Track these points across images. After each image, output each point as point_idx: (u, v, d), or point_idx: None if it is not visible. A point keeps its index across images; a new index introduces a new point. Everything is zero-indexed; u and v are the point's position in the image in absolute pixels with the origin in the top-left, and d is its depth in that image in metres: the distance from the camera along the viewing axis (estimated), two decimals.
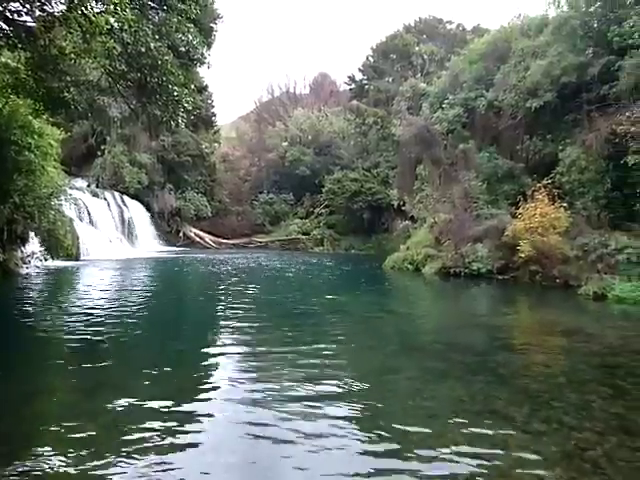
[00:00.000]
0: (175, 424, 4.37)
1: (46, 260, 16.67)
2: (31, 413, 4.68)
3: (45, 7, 8.24)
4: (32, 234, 16.25)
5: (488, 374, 6.04)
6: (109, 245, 28.21)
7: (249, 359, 6.65)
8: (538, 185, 17.07)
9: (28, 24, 8.76)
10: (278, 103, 59.17)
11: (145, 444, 3.97)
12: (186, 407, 4.83)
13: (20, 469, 3.54)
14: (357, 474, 3.63)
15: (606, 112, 17.12)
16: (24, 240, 16.13)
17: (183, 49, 11.37)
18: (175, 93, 10.43)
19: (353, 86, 47.68)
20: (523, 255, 15.89)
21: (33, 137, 13.40)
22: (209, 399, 5.14)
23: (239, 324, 8.89)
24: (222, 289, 14.51)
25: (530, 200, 16.70)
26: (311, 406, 4.85)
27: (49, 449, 3.87)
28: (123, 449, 3.87)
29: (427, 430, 4.37)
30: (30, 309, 10.29)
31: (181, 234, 43.37)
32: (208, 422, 4.52)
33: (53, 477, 3.51)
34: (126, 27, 8.73)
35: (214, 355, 6.84)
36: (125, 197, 36.43)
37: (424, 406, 4.97)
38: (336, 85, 61.21)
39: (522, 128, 21.29)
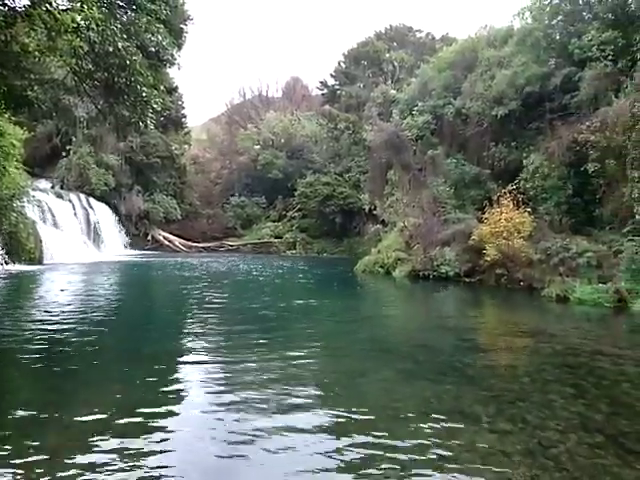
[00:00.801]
0: (138, 431, 4.28)
1: (7, 264, 15.99)
2: None
3: (6, 2, 7.95)
4: None
5: (456, 375, 6.17)
6: (74, 249, 27.30)
7: (218, 364, 6.56)
8: (503, 191, 17.62)
9: None
10: (250, 106, 58.89)
11: (106, 455, 3.87)
12: (149, 417, 4.70)
13: None
14: (326, 476, 3.64)
15: (567, 121, 17.83)
16: None
17: (152, 49, 11.17)
18: (144, 94, 10.21)
19: (325, 91, 48.01)
20: (489, 258, 16.38)
21: None
22: (174, 404, 5.06)
23: (208, 330, 8.76)
24: (192, 294, 14.26)
25: (496, 205, 17.21)
26: (280, 409, 4.84)
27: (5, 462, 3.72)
28: (86, 460, 3.76)
29: (396, 431, 4.43)
30: None
31: (149, 237, 42.49)
32: (173, 423, 4.47)
33: None
34: (93, 26, 8.50)
35: (181, 362, 6.73)
36: (91, 199, 35.42)
37: (393, 407, 5.04)
38: (308, 89, 61.45)
39: (488, 135, 21.90)
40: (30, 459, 3.74)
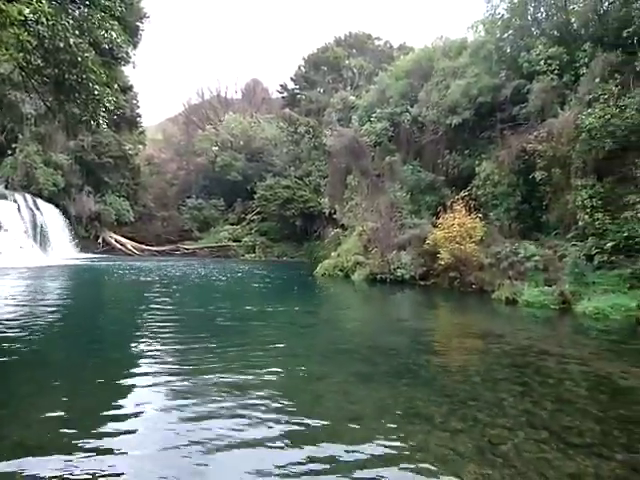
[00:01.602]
0: (88, 446, 4.12)
1: None
2: None
3: None
4: None
5: (410, 376, 6.33)
6: (19, 252, 25.87)
7: (171, 373, 6.39)
8: (457, 197, 18.28)
9: None
10: (208, 106, 58.00)
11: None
12: (99, 432, 4.51)
13: None
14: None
15: (517, 131, 18.68)
16: None
17: (106, 47, 10.81)
18: (96, 92, 9.87)
19: (285, 94, 48.11)
20: (443, 262, 16.92)
21: None
22: (124, 418, 4.89)
23: (161, 337, 8.46)
24: (144, 300, 13.78)
25: (449, 211, 17.81)
26: (237, 416, 4.79)
27: None
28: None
29: (352, 433, 4.49)
30: None
31: (100, 240, 40.95)
32: (122, 438, 4.32)
33: None
34: (43, 19, 8.14)
35: (131, 372, 6.47)
36: (38, 200, 33.72)
37: (350, 409, 5.10)
38: (268, 92, 61.28)
39: (443, 143, 22.60)
40: None
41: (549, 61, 18.01)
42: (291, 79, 47.59)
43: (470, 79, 20.79)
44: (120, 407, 5.13)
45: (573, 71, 17.42)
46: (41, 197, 34.30)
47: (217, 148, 47.04)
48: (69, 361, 7.12)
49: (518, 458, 3.98)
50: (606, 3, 17.37)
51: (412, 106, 24.32)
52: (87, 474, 3.64)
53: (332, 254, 23.58)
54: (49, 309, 11.19)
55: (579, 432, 4.51)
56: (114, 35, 10.35)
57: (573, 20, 18.37)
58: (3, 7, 7.29)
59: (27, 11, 7.79)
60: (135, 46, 12.53)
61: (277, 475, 3.73)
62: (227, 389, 5.58)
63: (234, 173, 44.55)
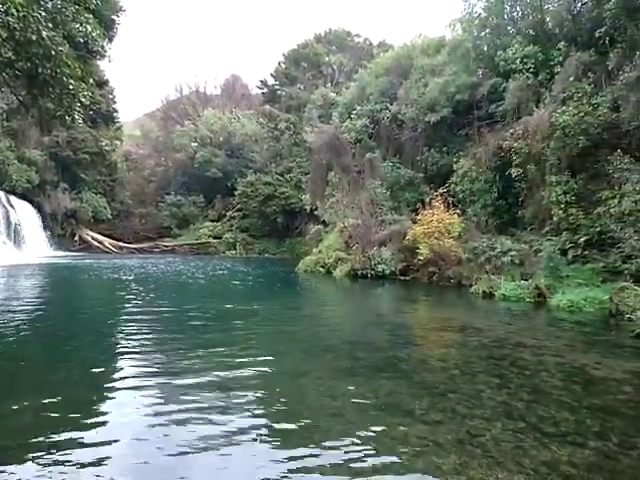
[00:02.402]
0: (62, 453, 4.07)
1: None
2: None
3: None
4: None
5: (391, 370, 6.41)
6: None
7: (150, 371, 6.33)
8: (435, 193, 18.55)
9: None
10: (187, 102, 57.24)
11: None
12: (75, 440, 4.44)
13: None
14: (265, 477, 3.66)
15: (494, 128, 19.01)
16: None
17: (81, 40, 10.56)
18: (71, 86, 9.64)
19: (265, 90, 47.85)
20: (422, 257, 17.15)
21: None
22: (104, 418, 4.84)
23: (139, 337, 8.30)
24: (121, 299, 13.50)
25: (428, 207, 18.06)
26: (221, 414, 4.78)
27: None
28: None
29: (334, 429, 4.53)
30: None
31: (77, 238, 40.13)
32: (104, 438, 4.27)
33: None
34: (13, 11, 7.90)
35: (108, 373, 6.35)
36: (11, 197, 32.84)
37: (331, 405, 5.14)
38: (248, 88, 60.82)
39: (422, 140, 22.85)
40: None
41: (525, 60, 18.37)
42: (271, 75, 47.39)
43: (448, 77, 21.04)
44: (97, 409, 5.06)
45: (548, 70, 17.80)
46: (15, 194, 33.41)
47: (196, 144, 46.51)
48: (43, 361, 6.97)
49: (496, 448, 4.07)
50: (579, 4, 17.77)
51: (392, 103, 24.49)
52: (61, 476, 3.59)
53: (314, 250, 23.65)
54: (23, 308, 10.92)
55: (554, 422, 4.64)
56: (89, 28, 10.12)
57: (548, 20, 18.75)
58: None
59: None
60: (111, 40, 12.30)
61: (258, 472, 3.74)
62: (206, 387, 5.55)
63: (214, 169, 44.14)
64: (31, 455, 3.87)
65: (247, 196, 39.96)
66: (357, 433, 4.40)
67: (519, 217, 17.76)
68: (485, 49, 21.02)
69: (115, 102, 42.66)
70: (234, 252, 39.86)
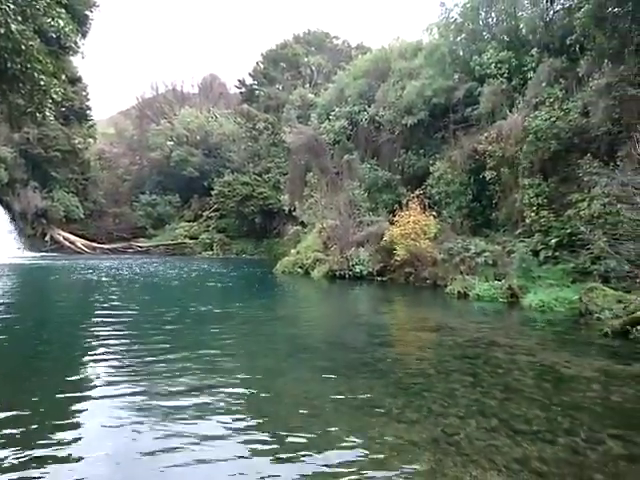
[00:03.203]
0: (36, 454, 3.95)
1: None
2: None
3: None
4: None
5: (368, 370, 6.46)
6: None
7: (124, 375, 6.20)
8: (412, 195, 18.78)
9: None
10: (163, 100, 56.32)
11: None
12: (43, 442, 4.36)
13: None
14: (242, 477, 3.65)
15: (469, 132, 19.35)
16: None
17: (53, 35, 10.27)
18: (42, 82, 9.37)
19: (243, 90, 47.49)
20: (399, 258, 17.35)
21: None
22: (76, 426, 4.73)
23: (112, 340, 8.07)
24: (94, 301, 13.17)
25: (405, 208, 18.27)
26: (197, 416, 4.73)
27: None
28: None
29: (311, 428, 4.53)
30: None
31: (48, 238, 39.02)
32: (76, 447, 4.17)
33: None
34: None
35: (80, 379, 6.22)
36: None
37: (309, 405, 5.15)
38: (226, 87, 60.24)
39: (399, 143, 23.08)
40: None
41: (499, 65, 18.77)
42: (249, 75, 47.03)
43: (425, 80, 21.32)
44: (69, 420, 4.93)
45: (521, 75, 18.24)
46: None
47: (172, 143, 45.83)
48: (11, 364, 6.75)
49: (470, 446, 4.15)
50: (552, 12, 18.28)
51: (370, 105, 24.66)
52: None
53: (292, 251, 23.61)
54: None
55: (526, 419, 4.75)
56: (61, 23, 9.86)
57: (522, 26, 19.20)
58: None
59: None
60: (84, 35, 11.99)
61: (233, 473, 3.72)
62: (182, 390, 5.49)
63: (190, 169, 43.58)
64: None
65: (224, 196, 39.59)
66: (333, 433, 4.42)
67: (493, 219, 18.12)
68: (461, 54, 21.38)
69: (88, 99, 41.70)
70: (211, 253, 39.44)
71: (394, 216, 18.71)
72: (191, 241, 40.93)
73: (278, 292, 17.93)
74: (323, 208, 23.48)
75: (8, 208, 35.19)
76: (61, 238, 39.45)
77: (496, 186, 17.55)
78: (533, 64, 17.51)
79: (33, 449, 3.98)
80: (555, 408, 5.05)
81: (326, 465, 3.84)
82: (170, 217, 44.45)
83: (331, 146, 25.34)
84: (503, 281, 13.68)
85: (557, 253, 14.24)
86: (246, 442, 4.25)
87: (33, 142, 36.89)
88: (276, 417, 4.81)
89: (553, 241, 14.39)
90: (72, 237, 39.85)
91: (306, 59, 44.59)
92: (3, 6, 8.32)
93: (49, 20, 9.47)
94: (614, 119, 13.36)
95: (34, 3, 9.11)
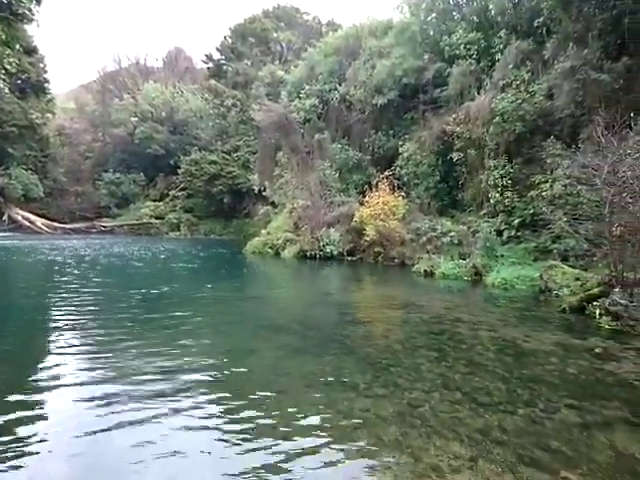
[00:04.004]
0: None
1: None
2: None
3: None
4: None
5: (337, 347, 6.55)
6: None
7: (92, 358, 6.08)
8: (381, 176, 18.88)
9: None
10: (126, 74, 54.05)
11: None
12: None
13: None
14: (212, 457, 3.66)
15: (438, 113, 19.50)
16: None
17: (4, 1, 9.62)
18: None
19: (210, 65, 46.11)
20: (368, 238, 17.55)
21: None
22: (40, 406, 4.61)
23: (75, 324, 7.85)
24: (55, 283, 12.65)
25: (375, 189, 18.40)
26: (167, 396, 4.69)
27: None
28: None
29: (279, 405, 4.58)
30: None
31: (5, 217, 37.34)
32: (42, 426, 4.07)
33: None
34: None
35: (43, 360, 6.06)
36: None
37: (278, 382, 5.19)
38: (192, 62, 58.34)
39: (370, 123, 23.06)
40: None
41: (468, 46, 18.88)
42: (217, 49, 45.62)
43: (395, 60, 21.25)
44: (32, 411, 4.79)
45: (489, 57, 18.42)
46: None
47: (136, 119, 44.21)
48: None
49: (434, 418, 4.29)
50: None
51: (340, 84, 24.44)
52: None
53: (262, 232, 23.44)
54: None
55: (487, 392, 4.93)
56: None
57: (491, 7, 19.31)
58: None
59: None
60: (39, 2, 11.26)
61: (203, 453, 3.72)
62: (152, 372, 5.41)
63: (155, 146, 42.27)
64: None
65: (191, 175, 38.70)
66: (303, 408, 4.48)
67: (459, 200, 18.50)
68: (431, 33, 21.37)
69: (46, 71, 39.55)
70: (178, 233, 38.70)
71: (364, 197, 18.83)
72: (157, 221, 40.00)
73: (248, 273, 17.83)
74: (294, 188, 23.33)
75: None
76: (20, 217, 37.81)
77: (463, 167, 17.85)
78: (501, 46, 17.68)
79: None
80: (515, 381, 5.27)
81: (295, 440, 3.90)
82: (135, 196, 43.19)
83: (301, 125, 25.04)
84: (468, 260, 14.05)
85: (519, 233, 14.72)
86: (215, 420, 4.25)
87: None
88: (245, 395, 4.82)
89: (516, 221, 14.83)
90: (32, 216, 38.25)
91: (275, 34, 43.56)
92: None
93: None
94: (577, 102, 13.71)
95: None
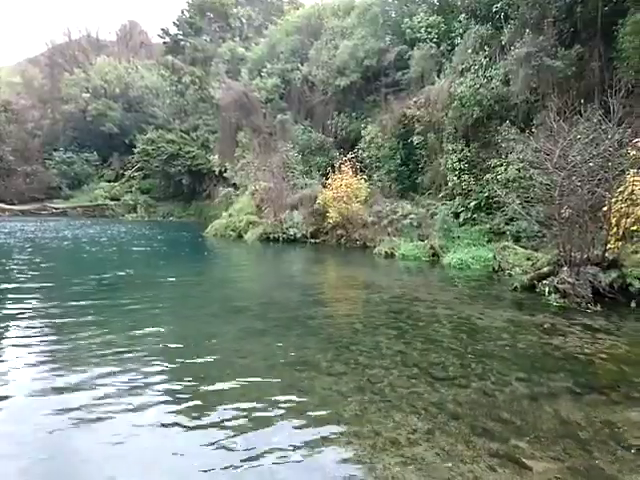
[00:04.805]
0: None
1: None
2: None
3: None
4: None
5: (300, 327, 6.62)
6: None
7: (45, 346, 5.86)
8: (344, 158, 18.92)
9: None
10: (77, 48, 51.14)
11: None
12: None
13: None
14: (174, 441, 3.65)
15: (399, 96, 19.66)
16: None
17: None
18: None
19: (167, 40, 44.22)
20: (331, 221, 17.67)
21: None
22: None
23: (28, 309, 7.59)
24: (5, 268, 12.08)
25: (338, 172, 18.43)
26: (122, 383, 4.61)
27: None
28: None
29: (242, 386, 4.60)
30: None
31: None
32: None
33: None
34: None
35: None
36: None
37: (242, 364, 5.20)
38: (147, 36, 55.90)
39: (332, 104, 22.99)
40: None
41: (429, 29, 19.03)
42: (173, 24, 43.72)
43: (357, 41, 21.17)
44: None
45: (450, 41, 18.64)
46: None
47: (88, 95, 42.08)
48: None
49: (393, 393, 4.44)
50: None
51: (302, 64, 24.13)
52: None
53: (223, 214, 23.08)
54: None
55: (443, 367, 5.15)
56: None
57: None
58: None
59: None
60: None
61: (164, 438, 3.71)
62: (107, 359, 5.27)
63: (109, 124, 40.48)
64: None
65: (148, 154, 37.39)
66: (265, 388, 4.53)
67: (419, 183, 18.85)
68: (393, 15, 21.37)
69: None
70: (135, 215, 37.50)
71: (327, 179, 18.85)
72: (112, 202, 38.58)
73: (209, 256, 17.58)
74: (256, 170, 23.03)
75: None
76: None
77: (423, 151, 18.15)
78: (461, 30, 17.91)
79: None
80: (469, 356, 5.52)
81: (258, 418, 3.94)
82: (88, 177, 41.38)
83: (263, 104, 24.65)
84: (426, 241, 14.45)
85: (475, 215, 15.22)
86: (176, 404, 4.23)
87: None
88: (208, 377, 4.81)
89: (472, 204, 15.30)
90: None
91: (235, 10, 42.20)
92: None
93: None
94: (532, 88, 14.15)
95: None
